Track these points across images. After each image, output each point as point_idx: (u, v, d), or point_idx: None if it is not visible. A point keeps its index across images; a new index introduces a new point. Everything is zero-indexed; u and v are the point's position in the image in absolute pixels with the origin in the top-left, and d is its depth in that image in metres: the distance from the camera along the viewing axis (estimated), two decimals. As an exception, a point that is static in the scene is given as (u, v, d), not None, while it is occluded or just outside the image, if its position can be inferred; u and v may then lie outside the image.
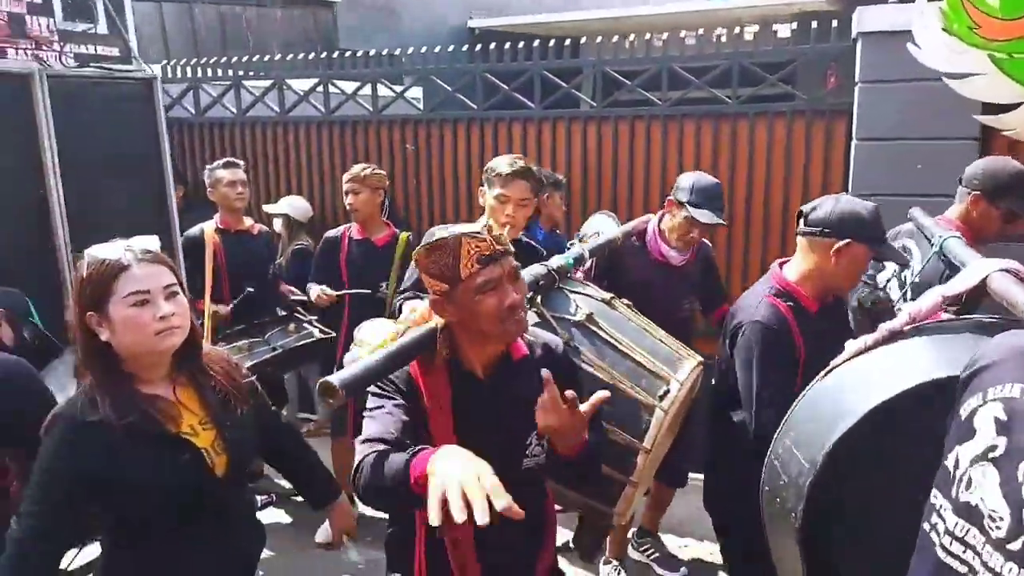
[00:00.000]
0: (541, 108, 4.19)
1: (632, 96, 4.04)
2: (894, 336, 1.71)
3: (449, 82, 4.38)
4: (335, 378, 1.41)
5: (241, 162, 3.89)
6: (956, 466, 1.17)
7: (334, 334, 3.68)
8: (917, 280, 2.55)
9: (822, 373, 1.77)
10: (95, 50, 2.88)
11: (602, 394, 1.53)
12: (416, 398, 1.57)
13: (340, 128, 4.70)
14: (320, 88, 4.66)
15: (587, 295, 2.26)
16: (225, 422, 1.64)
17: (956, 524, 1.13)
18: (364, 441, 1.49)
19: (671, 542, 3.50)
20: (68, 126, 2.64)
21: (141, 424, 1.50)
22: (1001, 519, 1.07)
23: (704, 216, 2.74)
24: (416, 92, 4.61)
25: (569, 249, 2.61)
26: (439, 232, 1.51)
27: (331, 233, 3.73)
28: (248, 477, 1.79)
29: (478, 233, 1.48)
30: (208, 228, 3.77)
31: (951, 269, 2.24)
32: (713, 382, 2.41)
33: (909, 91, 3.29)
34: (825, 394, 1.73)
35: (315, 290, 3.56)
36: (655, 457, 2.11)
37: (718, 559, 2.96)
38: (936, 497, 1.21)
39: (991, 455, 1.11)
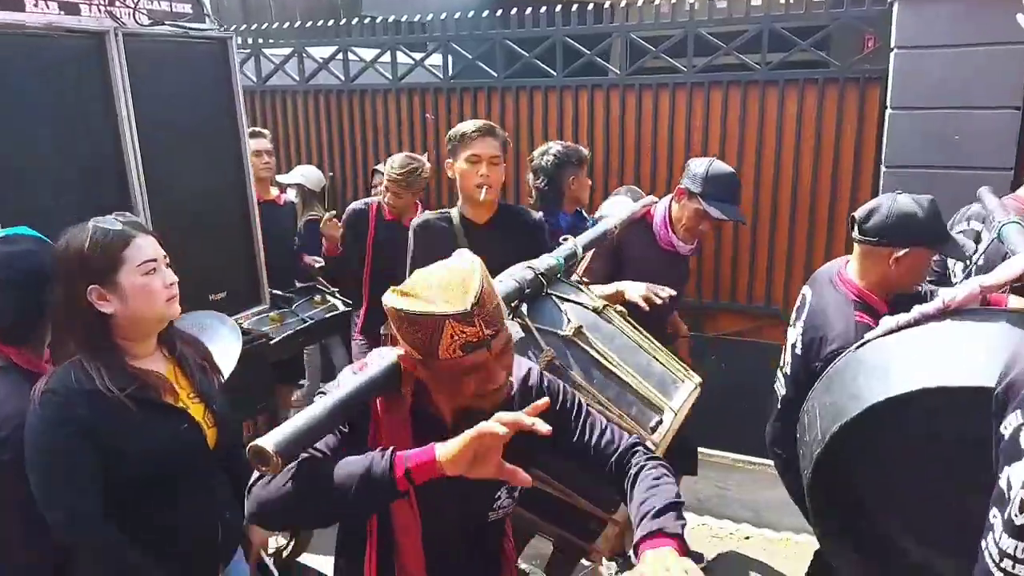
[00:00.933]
0: (563, 76, 4.09)
1: (658, 63, 3.92)
2: (926, 319, 1.69)
3: (470, 49, 4.28)
4: (267, 441, 1.16)
5: (267, 131, 3.85)
6: (1009, 487, 1.16)
7: (352, 305, 3.71)
8: (981, 263, 2.45)
9: (856, 344, 1.81)
10: (169, 7, 2.76)
11: (542, 428, 1.21)
12: (365, 435, 1.36)
13: (360, 96, 4.64)
14: (339, 56, 4.60)
15: (578, 303, 2.03)
16: (211, 396, 1.70)
17: (1012, 546, 1.13)
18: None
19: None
20: (144, 87, 2.52)
21: (142, 394, 1.53)
22: None
23: (719, 212, 2.56)
24: (436, 60, 4.51)
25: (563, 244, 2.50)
26: (416, 295, 1.24)
27: (359, 206, 3.65)
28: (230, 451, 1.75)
29: (465, 315, 1.20)
30: None
31: (995, 253, 2.17)
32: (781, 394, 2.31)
33: (947, 57, 3.14)
34: (850, 369, 1.77)
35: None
36: None
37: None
38: (995, 517, 1.20)
39: None
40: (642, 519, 1.30)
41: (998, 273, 1.69)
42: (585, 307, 2.03)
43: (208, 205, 2.85)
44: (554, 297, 2.01)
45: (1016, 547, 1.12)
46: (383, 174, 4.11)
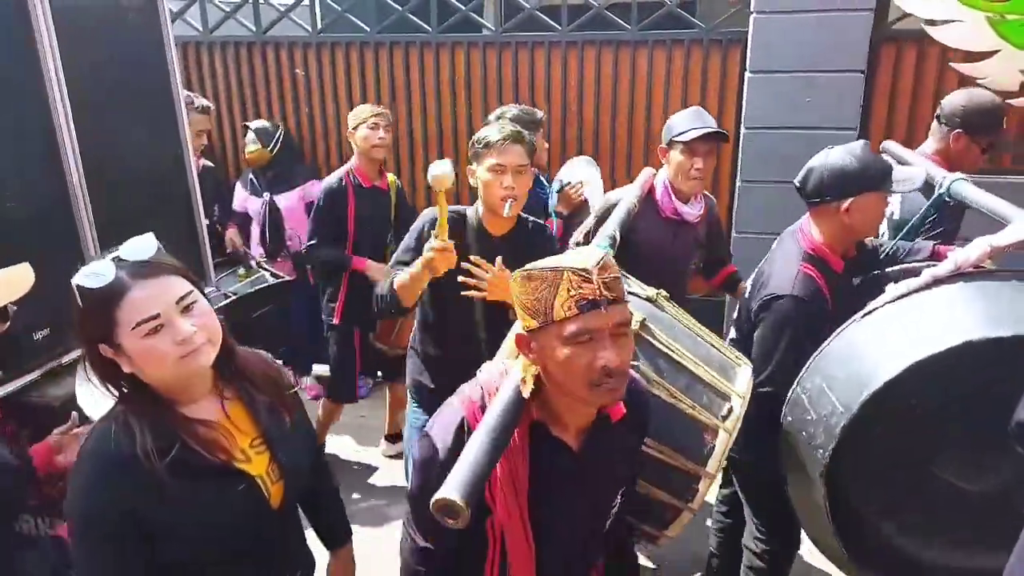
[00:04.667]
0: (439, 32, 4.01)
1: (534, 23, 3.92)
2: (938, 282, 1.73)
3: (340, 1, 4.11)
4: (451, 492, 1.12)
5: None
6: None
7: (287, 277, 3.61)
8: (897, 218, 2.62)
9: (860, 314, 1.80)
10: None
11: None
12: None
13: (221, 50, 4.36)
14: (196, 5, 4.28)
15: (632, 294, 1.93)
16: (279, 442, 1.40)
17: None
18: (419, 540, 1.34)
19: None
20: (71, 48, 2.20)
21: (187, 456, 1.26)
22: None
23: (693, 133, 2.49)
24: (304, 13, 4.29)
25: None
26: (546, 262, 1.24)
27: (332, 182, 3.31)
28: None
29: (585, 271, 1.19)
30: None
31: (935, 208, 2.30)
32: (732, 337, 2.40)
33: (799, 22, 3.34)
34: (864, 338, 1.75)
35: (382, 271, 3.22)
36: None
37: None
38: None
39: None
40: None
41: (1009, 233, 1.72)
42: (639, 297, 1.94)
43: (146, 177, 2.61)
44: None
45: None
46: (254, 131, 3.94)
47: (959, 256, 1.72)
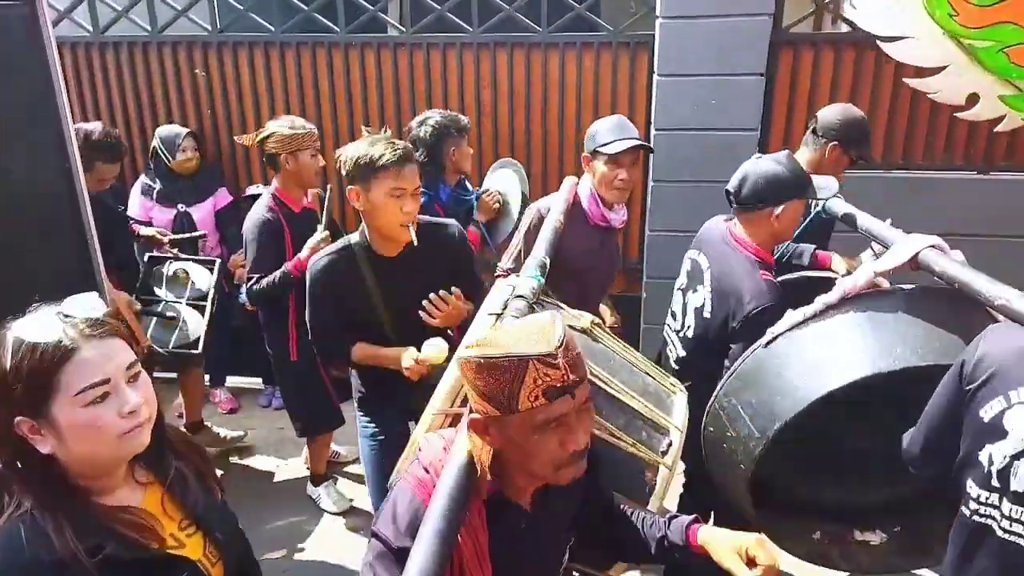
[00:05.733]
0: (346, 33, 3.91)
1: (444, 23, 3.88)
2: (829, 308, 1.83)
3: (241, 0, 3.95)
4: None
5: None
6: (991, 462, 1.36)
7: (217, 259, 3.53)
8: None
9: (763, 340, 1.90)
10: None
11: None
12: None
13: (114, 51, 4.12)
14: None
15: (567, 327, 1.93)
16: (210, 519, 1.28)
17: (1012, 509, 1.34)
18: None
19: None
20: None
21: (120, 551, 1.10)
22: None
23: (617, 145, 2.48)
24: (203, 11, 4.10)
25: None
26: (496, 344, 1.16)
27: (266, 215, 2.98)
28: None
29: (550, 356, 1.13)
30: None
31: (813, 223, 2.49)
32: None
33: (703, 27, 3.43)
34: (772, 365, 1.86)
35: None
36: None
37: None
38: (972, 487, 1.41)
39: None
40: (668, 521, 1.46)
41: (887, 260, 1.84)
42: (575, 329, 1.85)
43: (25, 202, 2.30)
44: None
45: (1013, 509, 1.34)
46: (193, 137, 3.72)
47: (847, 283, 1.82)
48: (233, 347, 4.11)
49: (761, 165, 2.23)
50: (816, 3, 3.58)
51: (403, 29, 3.93)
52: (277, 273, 2.93)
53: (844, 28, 3.65)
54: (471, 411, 1.25)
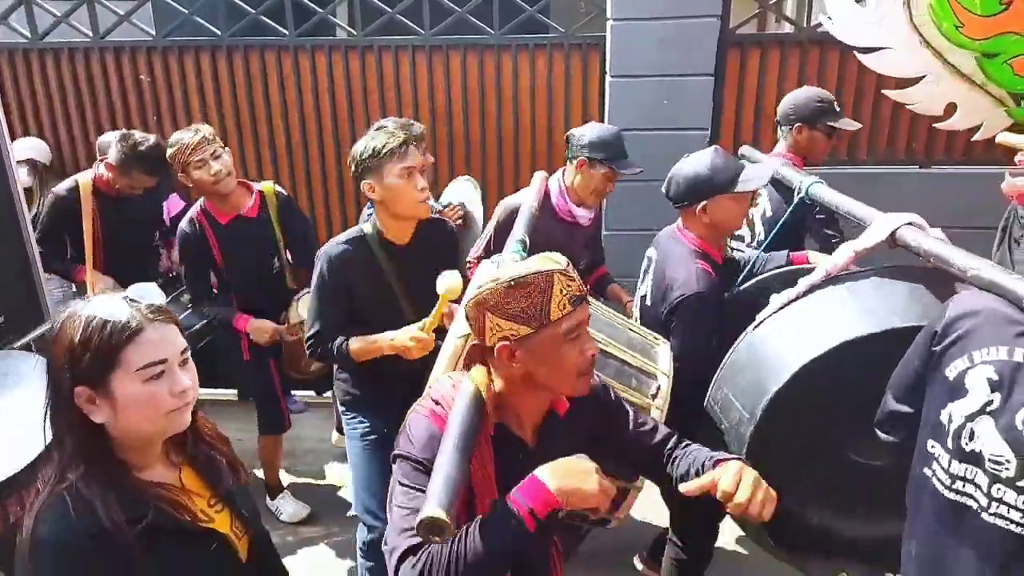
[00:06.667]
0: (295, 36, 3.86)
1: (395, 26, 3.85)
2: (813, 288, 1.88)
3: (186, 3, 3.86)
4: (433, 511, 1.14)
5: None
6: (950, 421, 1.39)
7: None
8: (769, 215, 2.88)
9: (752, 325, 1.94)
10: None
11: None
12: None
13: (54, 57, 3.99)
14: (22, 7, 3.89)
15: None
16: (235, 498, 1.38)
17: (963, 469, 1.36)
18: (405, 535, 1.25)
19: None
20: None
21: (159, 522, 1.19)
22: (1008, 462, 1.30)
23: (631, 166, 2.69)
24: (146, 16, 4.01)
25: None
26: (516, 268, 1.30)
27: (184, 231, 2.89)
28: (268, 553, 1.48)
29: (567, 269, 1.30)
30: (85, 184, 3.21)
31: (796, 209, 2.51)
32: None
33: (653, 29, 3.48)
34: (758, 346, 1.90)
35: (263, 331, 2.97)
36: None
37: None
38: (933, 447, 1.43)
39: (988, 409, 1.33)
40: (704, 461, 1.48)
41: (865, 238, 1.86)
42: None
43: None
44: None
45: (967, 470, 1.36)
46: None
47: (828, 263, 1.88)
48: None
49: (684, 166, 2.31)
50: (761, 4, 3.65)
51: (353, 32, 3.89)
52: (224, 312, 3.00)
53: (788, 28, 3.75)
54: (474, 361, 1.40)
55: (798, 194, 2.45)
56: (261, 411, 3.30)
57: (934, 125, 2.93)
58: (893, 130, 3.72)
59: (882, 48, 2.89)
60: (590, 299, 2.00)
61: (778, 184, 2.71)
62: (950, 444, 1.39)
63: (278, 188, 3.09)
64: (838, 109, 2.91)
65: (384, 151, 2.18)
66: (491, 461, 1.36)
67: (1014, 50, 2.78)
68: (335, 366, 2.52)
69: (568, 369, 1.33)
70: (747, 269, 2.54)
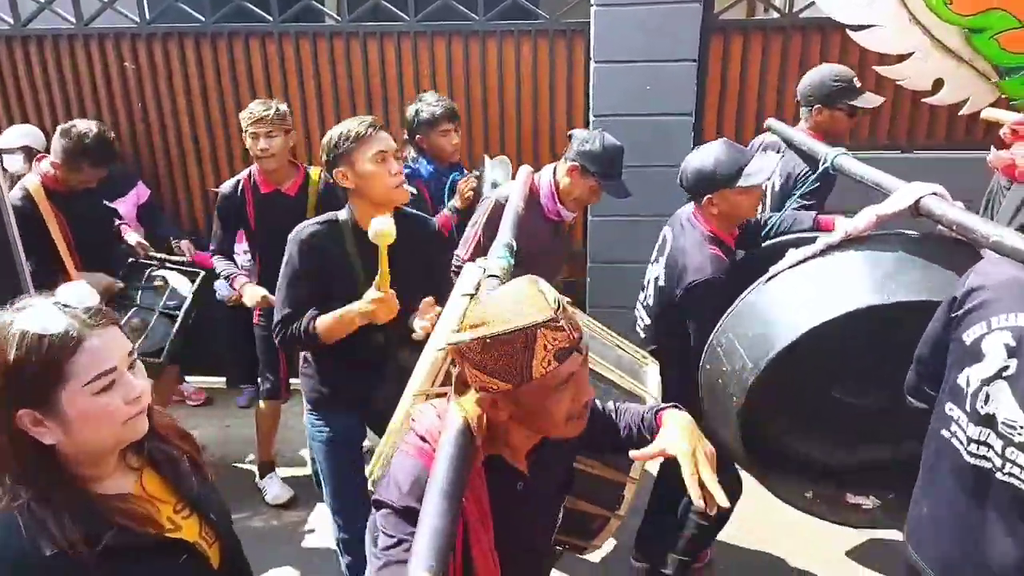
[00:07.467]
0: (280, 22, 3.85)
1: (380, 12, 3.85)
2: (831, 248, 1.91)
3: (169, -11, 3.85)
4: (422, 570, 1.02)
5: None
6: (967, 384, 1.42)
7: (201, 271, 3.43)
8: (777, 190, 2.95)
9: (764, 278, 1.98)
10: None
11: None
12: None
13: (38, 44, 3.98)
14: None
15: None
16: (203, 502, 1.28)
17: (979, 432, 1.39)
18: None
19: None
20: None
21: (120, 539, 1.10)
22: (1022, 427, 1.33)
23: (615, 192, 2.68)
24: (130, 2, 3.98)
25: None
26: (493, 320, 1.16)
27: (226, 188, 3.11)
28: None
29: (553, 320, 1.15)
30: (36, 188, 3.09)
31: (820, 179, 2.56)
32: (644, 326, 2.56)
33: (638, 14, 3.48)
34: (769, 300, 1.94)
35: (256, 295, 3.05)
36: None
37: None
38: (952, 410, 1.46)
39: (1005, 374, 1.36)
40: (644, 415, 1.50)
41: (889, 204, 1.89)
42: None
43: None
44: None
45: (981, 432, 1.39)
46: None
47: (848, 225, 1.91)
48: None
49: (692, 160, 2.37)
50: (745, -11, 3.67)
51: (339, 18, 3.89)
52: (226, 269, 3.17)
53: (773, 15, 3.76)
54: (462, 388, 1.28)
55: (823, 164, 2.48)
56: (264, 376, 3.39)
57: (922, 100, 2.97)
58: (875, 115, 3.74)
59: (872, 26, 2.93)
60: (575, 310, 2.00)
61: (803, 154, 2.80)
62: (967, 407, 1.42)
63: (325, 174, 3.14)
64: (858, 86, 2.93)
65: (352, 137, 2.13)
66: (486, 496, 1.28)
67: (1000, 25, 2.82)
68: (301, 362, 2.45)
69: (556, 419, 1.25)
70: (773, 227, 2.60)
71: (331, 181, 2.26)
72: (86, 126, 3.10)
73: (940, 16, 2.83)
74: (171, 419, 1.34)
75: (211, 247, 3.25)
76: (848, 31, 2.94)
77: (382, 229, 1.95)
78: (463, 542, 1.23)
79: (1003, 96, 2.85)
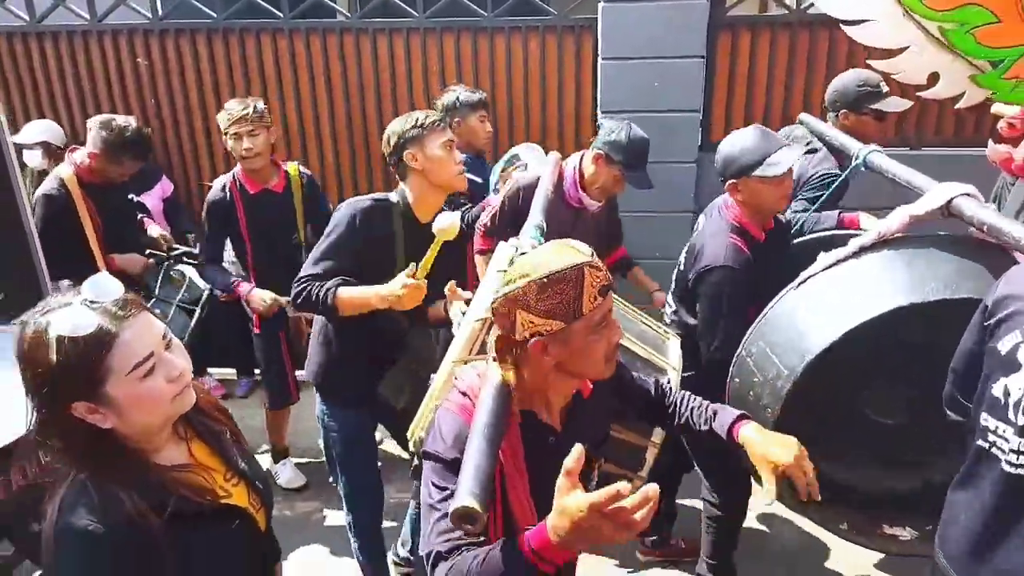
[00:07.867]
0: (290, 18, 3.89)
1: (390, 8, 3.88)
2: (864, 250, 1.87)
3: (181, -15, 3.89)
4: (465, 500, 1.14)
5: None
6: (1007, 394, 1.38)
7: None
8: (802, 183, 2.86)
9: (796, 282, 1.94)
10: None
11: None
12: None
13: (52, 40, 4.03)
14: (17, -10, 3.93)
15: None
16: (248, 470, 1.37)
17: (1019, 443, 1.35)
18: (440, 538, 1.26)
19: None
20: None
21: (182, 507, 1.18)
22: None
23: (638, 183, 2.71)
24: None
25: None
26: (541, 266, 1.28)
27: (213, 194, 3.06)
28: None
29: (593, 261, 1.30)
30: (70, 178, 3.09)
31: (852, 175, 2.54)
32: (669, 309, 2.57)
33: (646, 10, 3.49)
34: (801, 305, 1.90)
35: (262, 299, 3.04)
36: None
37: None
38: (987, 420, 1.42)
39: None
40: (715, 413, 1.62)
41: (924, 203, 1.86)
42: None
43: None
44: None
45: (1021, 443, 1.35)
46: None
47: (881, 226, 1.88)
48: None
49: (724, 142, 2.33)
50: (754, -15, 3.67)
51: (349, 14, 3.92)
52: (223, 279, 3.12)
53: (781, 11, 3.76)
54: (502, 353, 1.37)
55: (855, 160, 2.46)
56: (270, 385, 3.39)
57: (918, 94, 2.96)
58: (884, 112, 3.73)
59: (866, 20, 2.93)
60: None
61: (833, 149, 2.79)
62: (1010, 416, 1.36)
63: (302, 169, 3.22)
64: (884, 90, 2.90)
65: (426, 123, 2.23)
66: (520, 449, 1.38)
67: (975, 20, 2.82)
68: (312, 351, 2.47)
69: (597, 357, 1.36)
70: (795, 228, 2.59)
71: (393, 164, 2.30)
72: (125, 120, 3.13)
73: (915, 11, 2.84)
74: (208, 394, 1.41)
75: (200, 257, 3.23)
76: (842, 26, 2.94)
77: (448, 226, 2.08)
78: (501, 490, 1.33)
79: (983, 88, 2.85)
